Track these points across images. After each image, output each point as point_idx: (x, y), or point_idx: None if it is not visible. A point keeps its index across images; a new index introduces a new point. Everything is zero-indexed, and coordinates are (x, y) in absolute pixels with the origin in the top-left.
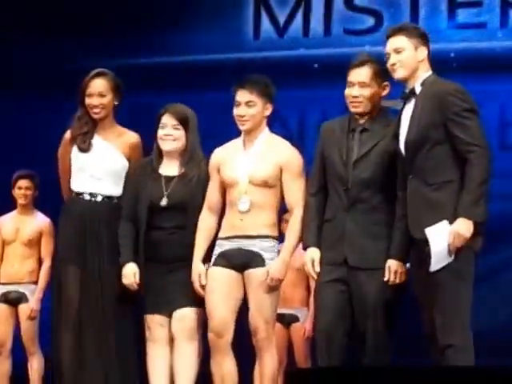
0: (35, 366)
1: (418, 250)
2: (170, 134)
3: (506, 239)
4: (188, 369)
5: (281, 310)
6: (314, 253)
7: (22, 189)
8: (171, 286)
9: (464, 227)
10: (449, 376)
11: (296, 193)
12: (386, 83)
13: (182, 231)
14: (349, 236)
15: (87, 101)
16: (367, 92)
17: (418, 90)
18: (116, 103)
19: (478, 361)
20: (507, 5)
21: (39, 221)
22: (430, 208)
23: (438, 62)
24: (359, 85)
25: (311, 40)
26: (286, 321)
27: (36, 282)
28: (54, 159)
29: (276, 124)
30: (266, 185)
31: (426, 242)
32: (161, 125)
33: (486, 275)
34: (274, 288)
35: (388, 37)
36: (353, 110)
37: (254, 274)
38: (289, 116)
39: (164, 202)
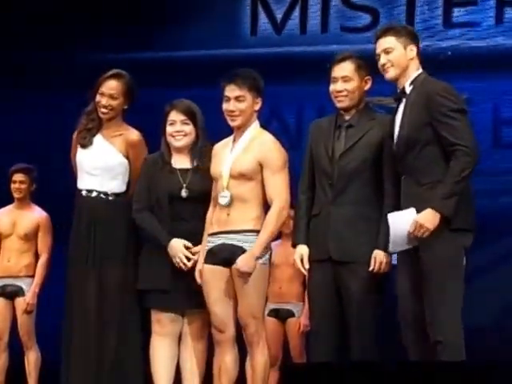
0: (32, 359)
1: (409, 249)
2: (181, 130)
3: (496, 235)
4: (197, 366)
5: (277, 305)
6: (302, 249)
7: (17, 183)
8: (190, 280)
9: (429, 218)
10: (439, 371)
11: (274, 187)
12: (368, 77)
13: (201, 222)
14: (333, 229)
15: (97, 98)
16: (350, 86)
17: (408, 89)
18: (125, 107)
19: (469, 357)
20: (502, 3)
21: (36, 215)
22: (424, 208)
23: (433, 60)
24: (342, 79)
25: (308, 37)
26: (282, 316)
27: (33, 276)
28: (53, 156)
29: (274, 120)
30: (244, 178)
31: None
32: (169, 122)
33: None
34: (260, 282)
35: (377, 38)
36: (338, 105)
37: None
38: (286, 112)
39: (184, 192)
